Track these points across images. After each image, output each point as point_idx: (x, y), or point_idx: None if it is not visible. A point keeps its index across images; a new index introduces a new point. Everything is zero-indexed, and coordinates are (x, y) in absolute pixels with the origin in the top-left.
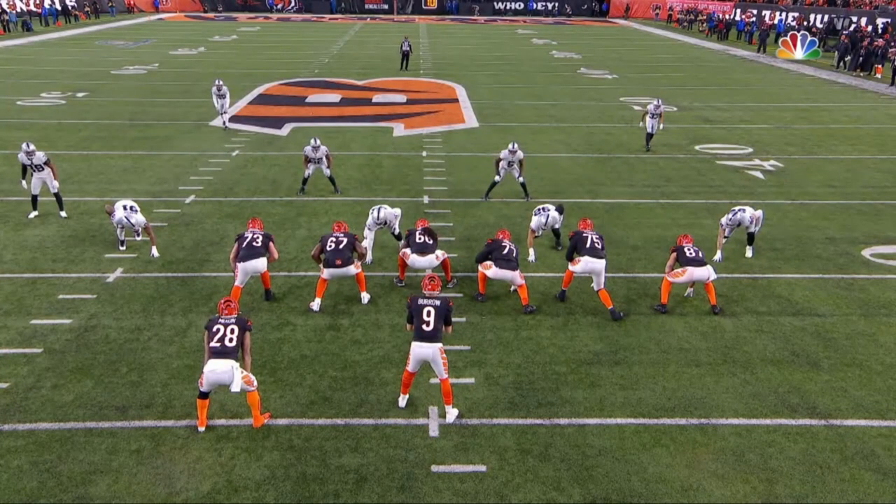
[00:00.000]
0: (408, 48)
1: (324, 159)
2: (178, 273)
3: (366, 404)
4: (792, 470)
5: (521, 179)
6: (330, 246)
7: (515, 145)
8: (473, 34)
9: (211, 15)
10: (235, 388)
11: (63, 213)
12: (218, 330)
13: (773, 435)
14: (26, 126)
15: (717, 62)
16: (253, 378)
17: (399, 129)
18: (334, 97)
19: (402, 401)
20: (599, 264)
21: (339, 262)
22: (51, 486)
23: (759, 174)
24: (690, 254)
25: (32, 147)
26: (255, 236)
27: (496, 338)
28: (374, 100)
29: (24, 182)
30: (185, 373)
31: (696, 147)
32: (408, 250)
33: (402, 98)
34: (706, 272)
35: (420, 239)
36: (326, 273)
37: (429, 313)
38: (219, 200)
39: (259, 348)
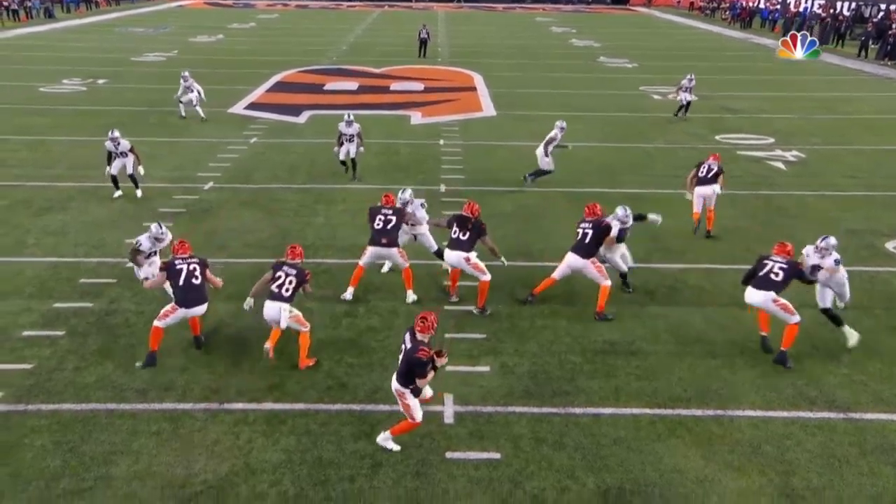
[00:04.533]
0: (426, 35)
1: (356, 137)
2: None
3: (381, 391)
4: (809, 463)
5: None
6: (378, 224)
7: (564, 123)
8: (492, 22)
9: (229, 2)
10: (283, 324)
11: (139, 192)
12: (279, 276)
13: (791, 427)
14: (47, 112)
15: (740, 51)
16: (304, 320)
17: (416, 117)
18: (352, 85)
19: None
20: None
21: (384, 240)
22: (74, 465)
23: (780, 165)
24: (702, 172)
25: (118, 134)
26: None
27: (512, 326)
28: (391, 88)
29: (108, 167)
30: (203, 358)
31: (717, 137)
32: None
33: (419, 86)
34: (710, 190)
35: (454, 232)
36: (369, 252)
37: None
38: (237, 187)
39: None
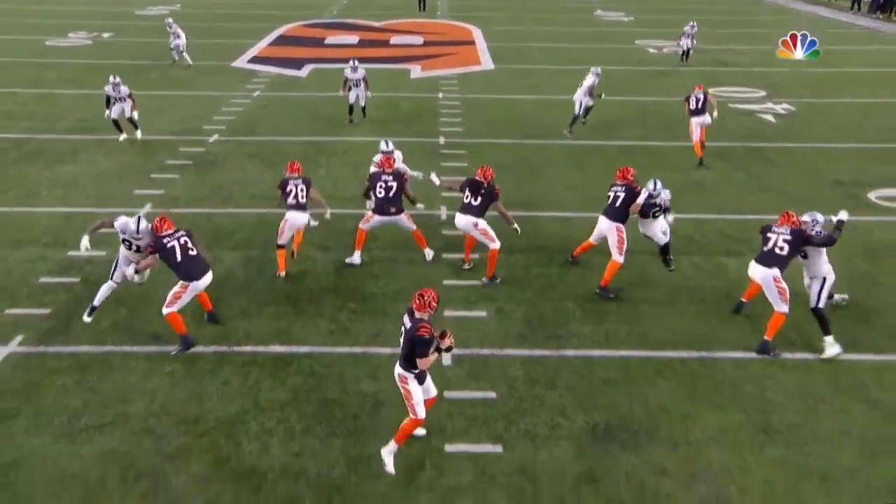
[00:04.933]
0: None
1: (362, 82)
2: (203, 209)
3: (382, 334)
4: (786, 401)
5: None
6: (380, 192)
7: (599, 69)
8: None
9: None
10: (313, 223)
11: (139, 134)
12: (291, 189)
13: (770, 368)
14: (55, 66)
15: (736, 3)
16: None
17: (416, 70)
18: (353, 39)
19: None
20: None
21: (393, 209)
22: (93, 403)
23: (770, 117)
24: (692, 105)
25: (118, 80)
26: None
27: (508, 274)
28: (391, 41)
29: (108, 111)
30: (214, 302)
31: (711, 90)
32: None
33: (419, 40)
34: (705, 119)
35: (467, 196)
36: (374, 220)
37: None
38: (241, 140)
39: (281, 282)
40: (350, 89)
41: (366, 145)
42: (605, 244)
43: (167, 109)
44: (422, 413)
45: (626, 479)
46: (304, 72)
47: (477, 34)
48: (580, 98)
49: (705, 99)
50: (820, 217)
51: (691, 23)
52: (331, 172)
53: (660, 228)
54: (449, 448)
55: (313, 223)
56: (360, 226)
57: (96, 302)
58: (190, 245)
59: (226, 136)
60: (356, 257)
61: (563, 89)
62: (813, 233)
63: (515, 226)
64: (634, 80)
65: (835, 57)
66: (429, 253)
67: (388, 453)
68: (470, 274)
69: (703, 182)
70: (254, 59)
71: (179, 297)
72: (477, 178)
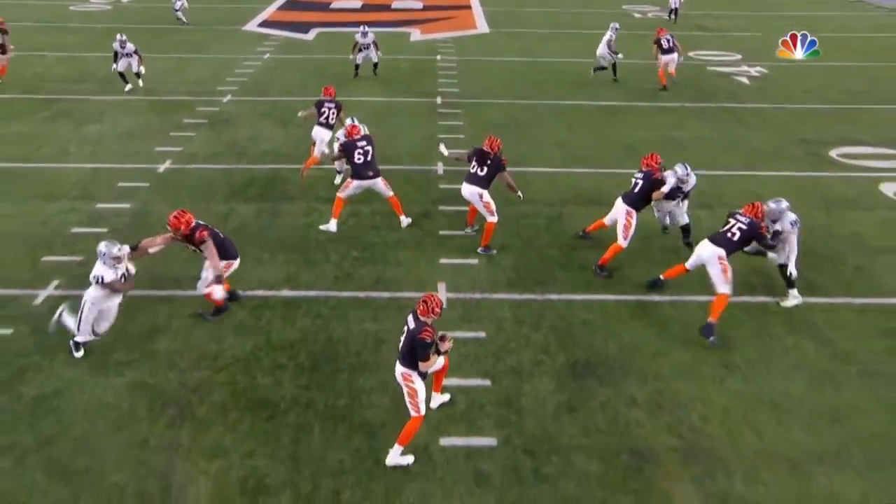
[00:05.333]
0: None
1: (372, 45)
2: (219, 165)
3: (383, 280)
4: (746, 339)
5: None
6: (359, 158)
7: (617, 24)
8: None
9: None
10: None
11: (141, 83)
12: (324, 111)
13: (734, 310)
14: (78, 30)
15: None
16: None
17: (415, 34)
18: (356, 3)
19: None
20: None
21: (371, 173)
22: (123, 342)
23: (744, 80)
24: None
25: (125, 37)
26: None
27: (499, 225)
28: (392, 6)
29: (115, 65)
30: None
31: (690, 53)
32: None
33: (418, 4)
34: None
35: (473, 166)
36: (353, 185)
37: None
38: (253, 100)
39: (290, 232)
40: (360, 51)
41: (368, 103)
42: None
43: (184, 71)
44: (423, 410)
45: (601, 408)
46: (311, 35)
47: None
48: (603, 52)
49: (674, 41)
50: (784, 204)
51: None
52: (336, 127)
53: (680, 211)
54: (444, 381)
55: (339, 176)
56: (339, 194)
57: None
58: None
59: (238, 96)
60: (332, 225)
61: (554, 52)
62: (770, 231)
63: (519, 193)
64: (620, 43)
65: (809, 22)
66: (404, 220)
67: (395, 456)
68: (465, 225)
69: (681, 140)
70: (263, 24)
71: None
72: (484, 148)
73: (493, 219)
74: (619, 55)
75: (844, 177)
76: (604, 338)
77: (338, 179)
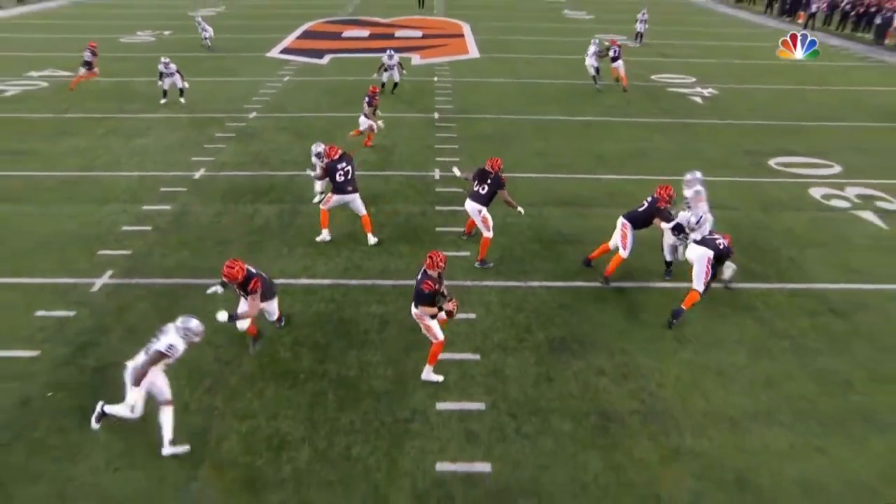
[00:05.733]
0: None
1: (396, 67)
2: (246, 172)
3: (387, 270)
4: (697, 318)
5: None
6: (340, 177)
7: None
8: None
9: None
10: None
11: (183, 100)
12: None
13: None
14: (127, 59)
15: (675, 6)
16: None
17: (416, 58)
18: (364, 32)
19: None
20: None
21: (350, 188)
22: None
23: (698, 99)
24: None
25: (168, 59)
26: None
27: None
28: (396, 35)
29: (161, 82)
30: (255, 246)
31: (653, 77)
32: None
33: (418, 33)
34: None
35: (476, 184)
36: (334, 199)
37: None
38: (275, 116)
39: (307, 229)
40: (385, 71)
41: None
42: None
43: (217, 92)
44: (441, 336)
45: (574, 378)
46: (325, 60)
47: (466, 28)
48: (591, 63)
49: (620, 50)
50: (699, 174)
51: (643, 10)
52: (346, 141)
53: (682, 250)
54: (440, 356)
55: (318, 195)
56: (322, 207)
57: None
58: (266, 277)
59: (262, 113)
60: (325, 234)
61: (537, 74)
62: (673, 209)
63: (520, 209)
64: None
65: (752, 51)
66: (372, 238)
67: (427, 374)
68: (457, 223)
69: (645, 150)
70: (284, 51)
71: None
72: (486, 167)
73: (489, 234)
74: (608, 50)
75: (780, 182)
76: (577, 318)
77: (316, 199)
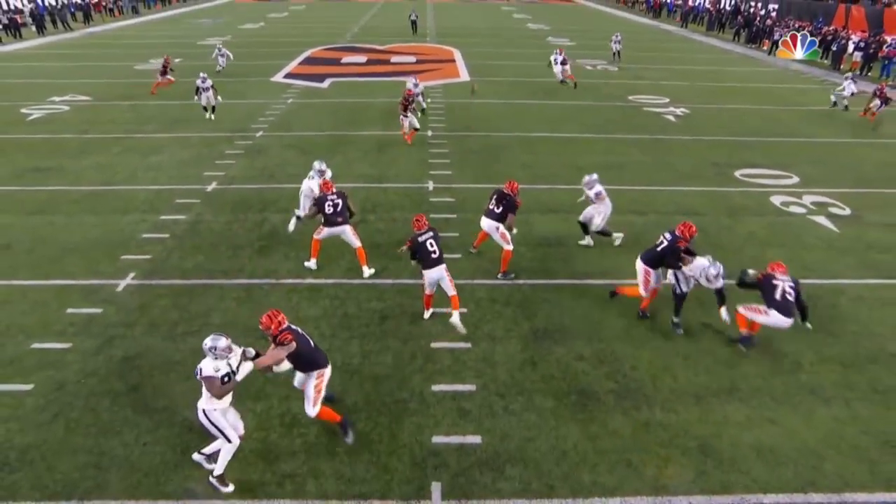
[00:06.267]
0: (415, 17)
1: (421, 94)
2: (254, 185)
3: (387, 270)
4: (668, 308)
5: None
6: (329, 209)
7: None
8: (469, 10)
9: None
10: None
11: (213, 116)
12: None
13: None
14: (141, 84)
15: (649, 34)
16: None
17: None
18: (362, 58)
19: (427, 314)
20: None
21: (340, 220)
22: (186, 317)
23: (672, 118)
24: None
25: (205, 75)
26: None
27: (477, 228)
28: (392, 60)
29: (196, 97)
30: (264, 250)
31: (630, 97)
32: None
33: (413, 59)
34: (566, 69)
35: (491, 203)
36: (325, 231)
37: (431, 244)
38: (280, 135)
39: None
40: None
41: (371, 138)
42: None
43: (226, 113)
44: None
45: (556, 362)
46: (326, 84)
47: (457, 54)
48: (559, 70)
49: (565, 58)
50: (595, 176)
51: (616, 34)
52: (346, 157)
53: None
54: (434, 345)
55: (293, 222)
56: (315, 236)
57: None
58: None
59: (269, 132)
60: (312, 263)
61: (522, 95)
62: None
63: (515, 230)
64: (572, 90)
65: (719, 75)
66: (366, 270)
67: (456, 320)
68: (449, 229)
69: (622, 163)
70: (288, 75)
71: (320, 389)
72: (504, 189)
73: (509, 247)
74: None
75: (744, 191)
76: (559, 311)
77: (291, 225)
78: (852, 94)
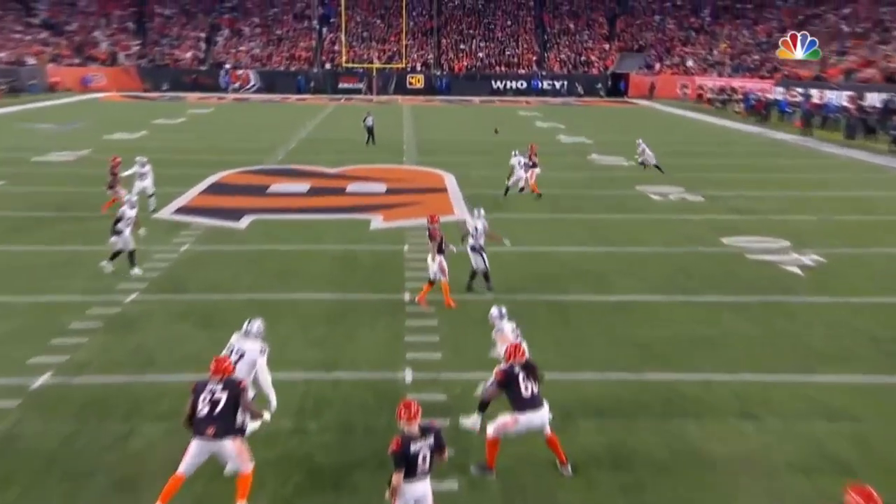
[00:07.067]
0: (371, 123)
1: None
2: (118, 377)
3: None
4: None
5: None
6: (202, 407)
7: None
8: (467, 116)
9: (154, 95)
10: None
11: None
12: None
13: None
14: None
15: (754, 146)
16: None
17: (377, 220)
18: (302, 186)
19: None
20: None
21: (210, 430)
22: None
23: (796, 269)
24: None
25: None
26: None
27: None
28: (348, 189)
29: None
30: (127, 486)
31: (723, 239)
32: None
33: (381, 187)
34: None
35: (527, 383)
36: (193, 446)
37: (424, 458)
38: (166, 298)
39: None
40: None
41: (314, 304)
42: None
43: (79, 264)
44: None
45: None
46: (244, 223)
47: (450, 180)
48: (519, 172)
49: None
50: (500, 311)
51: (639, 141)
52: (276, 333)
53: None
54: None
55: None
56: (178, 470)
57: None
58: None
59: (147, 294)
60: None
61: (547, 240)
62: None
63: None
64: (632, 228)
65: (871, 203)
66: None
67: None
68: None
69: (716, 339)
70: (181, 210)
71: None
72: (530, 361)
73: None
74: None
75: None
76: None
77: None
78: None
